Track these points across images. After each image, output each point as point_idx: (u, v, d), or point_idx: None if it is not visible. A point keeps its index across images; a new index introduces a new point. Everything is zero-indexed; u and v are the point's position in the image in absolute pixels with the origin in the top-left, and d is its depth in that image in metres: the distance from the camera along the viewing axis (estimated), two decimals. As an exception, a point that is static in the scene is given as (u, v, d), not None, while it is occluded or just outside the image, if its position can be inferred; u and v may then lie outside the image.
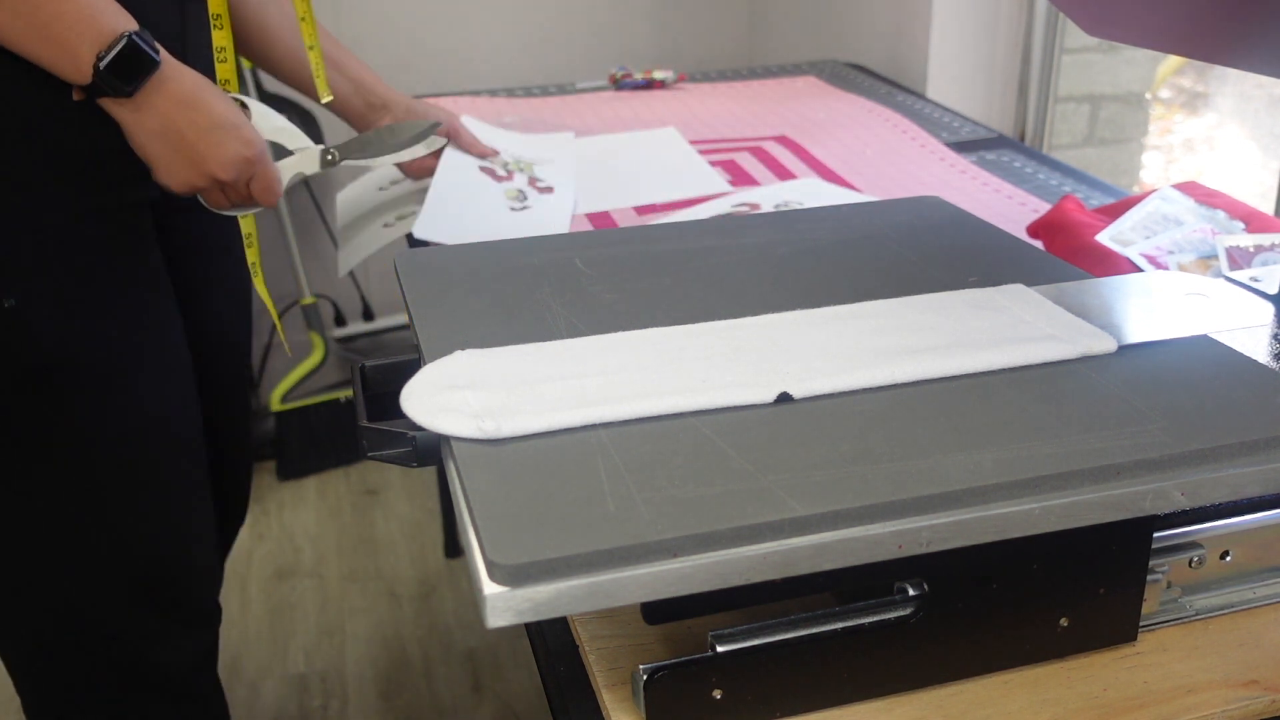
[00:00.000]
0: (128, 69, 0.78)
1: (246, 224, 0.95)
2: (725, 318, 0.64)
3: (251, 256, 0.96)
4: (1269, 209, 1.29)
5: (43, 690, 0.99)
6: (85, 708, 0.99)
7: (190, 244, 1.00)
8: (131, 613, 0.97)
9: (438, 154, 1.14)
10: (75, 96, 0.81)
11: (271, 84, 2.12)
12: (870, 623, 0.50)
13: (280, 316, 1.13)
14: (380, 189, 1.28)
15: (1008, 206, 1.14)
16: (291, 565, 1.96)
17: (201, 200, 0.90)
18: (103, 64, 0.77)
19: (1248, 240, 0.84)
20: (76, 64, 0.77)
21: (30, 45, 0.77)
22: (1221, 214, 0.91)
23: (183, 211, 0.97)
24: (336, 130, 2.25)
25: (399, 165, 1.14)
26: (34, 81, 0.80)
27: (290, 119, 0.94)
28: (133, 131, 0.82)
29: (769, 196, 1.16)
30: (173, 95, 0.81)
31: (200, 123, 0.82)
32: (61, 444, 0.90)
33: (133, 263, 0.91)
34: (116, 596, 0.96)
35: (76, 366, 0.87)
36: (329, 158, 0.97)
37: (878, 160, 1.31)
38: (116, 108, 0.81)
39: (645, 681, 0.48)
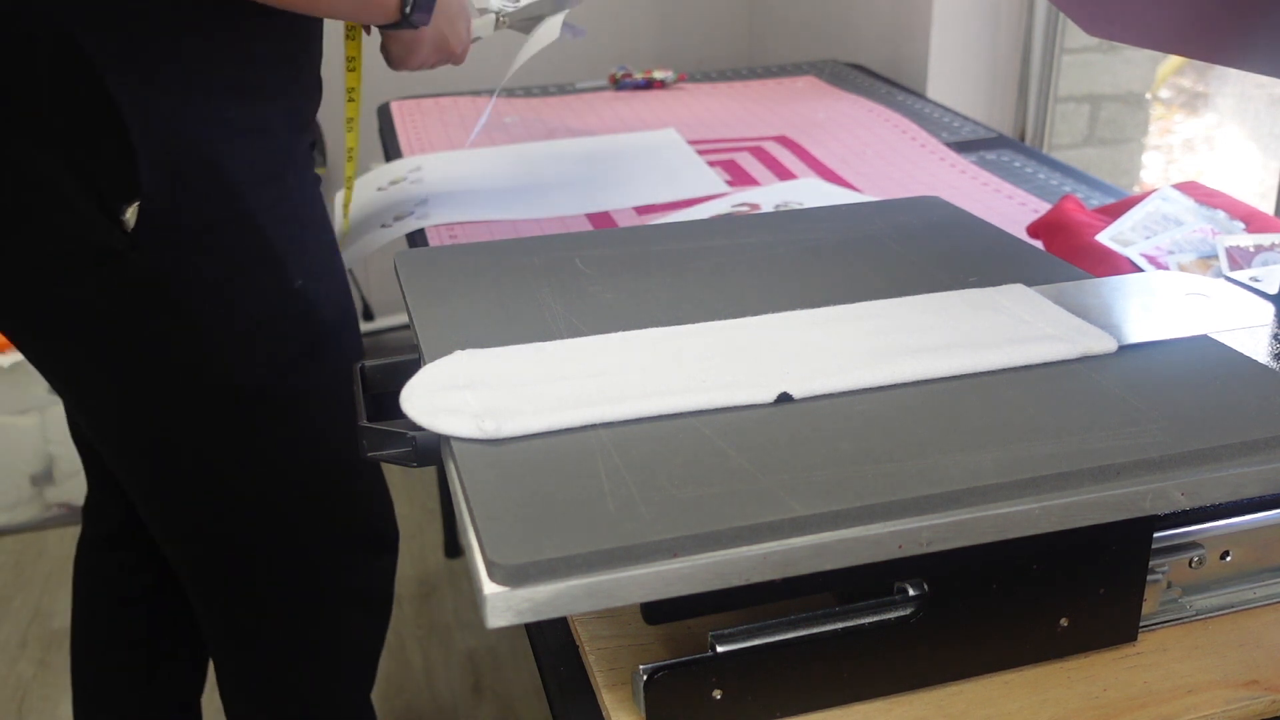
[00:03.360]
0: (424, 5, 0.93)
1: (350, 139, 1.10)
2: (725, 318, 0.64)
3: (349, 170, 1.11)
4: (1269, 209, 1.29)
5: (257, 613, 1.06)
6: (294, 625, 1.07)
7: None
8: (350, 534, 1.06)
9: None
10: (367, 34, 1.04)
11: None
12: (870, 623, 0.50)
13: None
14: (379, 189, 1.28)
15: (1008, 206, 1.14)
16: (291, 565, 1.96)
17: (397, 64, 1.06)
18: (408, 8, 0.92)
19: (1248, 240, 0.84)
20: (385, 12, 0.92)
21: (342, 8, 0.92)
22: (1221, 214, 0.91)
23: None
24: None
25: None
26: (280, 80, 0.91)
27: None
28: (409, 43, 1.01)
29: (769, 196, 1.16)
30: (442, 9, 1.00)
31: (453, 18, 1.03)
32: (327, 403, 0.97)
33: (329, 227, 1.02)
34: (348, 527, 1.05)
35: (334, 330, 0.97)
36: (501, 21, 1.15)
37: (878, 160, 1.31)
38: (397, 32, 0.99)
39: (645, 681, 0.48)
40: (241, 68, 0.87)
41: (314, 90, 0.96)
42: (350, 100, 1.08)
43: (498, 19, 1.13)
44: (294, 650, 1.08)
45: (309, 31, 0.93)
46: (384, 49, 1.02)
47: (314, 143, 1.01)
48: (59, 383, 0.95)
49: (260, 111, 0.89)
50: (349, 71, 1.06)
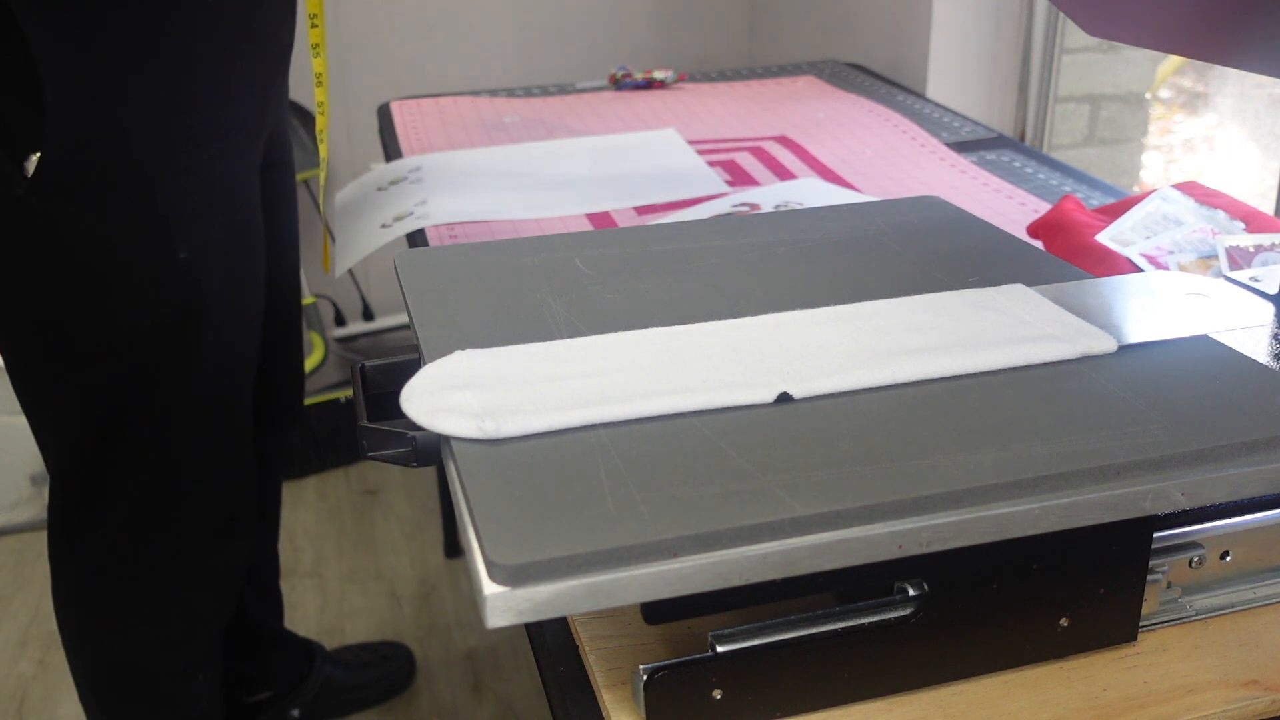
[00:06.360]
0: None
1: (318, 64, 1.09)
2: (725, 318, 0.64)
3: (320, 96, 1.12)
4: (1269, 209, 1.29)
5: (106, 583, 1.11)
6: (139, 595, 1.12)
7: (271, 199, 1.14)
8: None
9: None
10: None
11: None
12: (870, 623, 0.50)
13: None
14: (379, 189, 1.28)
15: (1008, 206, 1.14)
16: (291, 565, 1.96)
17: None
18: None
19: (1248, 240, 0.84)
20: None
21: None
22: (1221, 214, 0.91)
23: (272, 168, 1.13)
24: (337, 134, 2.25)
25: None
26: (211, 54, 0.93)
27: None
28: None
29: (769, 196, 1.16)
30: None
31: None
32: (200, 381, 1.02)
33: (257, 218, 1.04)
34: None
35: (220, 307, 1.00)
36: None
37: (878, 160, 1.31)
38: None
39: (645, 681, 0.48)
40: (174, 42, 0.90)
41: (259, 61, 0.99)
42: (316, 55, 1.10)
43: None
44: (133, 616, 1.13)
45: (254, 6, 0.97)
46: None
47: (263, 109, 1.03)
48: None
49: (188, 85, 0.92)
50: (312, 28, 1.08)
